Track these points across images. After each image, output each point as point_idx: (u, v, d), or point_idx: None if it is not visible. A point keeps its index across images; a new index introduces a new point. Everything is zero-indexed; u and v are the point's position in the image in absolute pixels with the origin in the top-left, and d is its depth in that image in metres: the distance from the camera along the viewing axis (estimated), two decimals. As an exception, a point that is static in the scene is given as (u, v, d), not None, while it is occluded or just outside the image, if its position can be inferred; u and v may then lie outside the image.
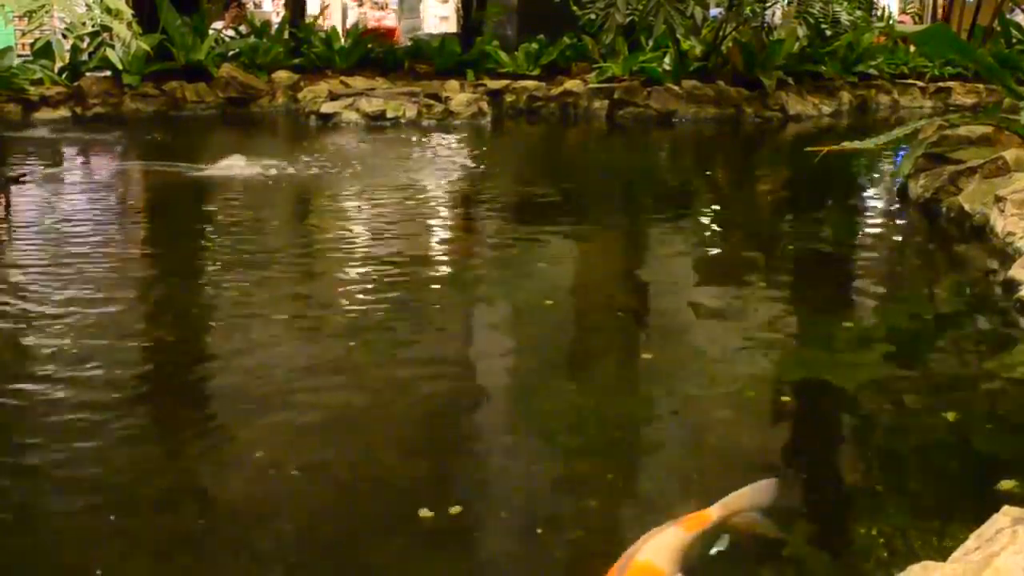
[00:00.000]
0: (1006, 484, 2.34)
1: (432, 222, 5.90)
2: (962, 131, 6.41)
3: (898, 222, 6.09)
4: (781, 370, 3.29)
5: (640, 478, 2.58)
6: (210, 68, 10.71)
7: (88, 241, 4.96)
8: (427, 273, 4.48)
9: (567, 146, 10.20)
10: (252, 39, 12.05)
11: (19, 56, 11.09)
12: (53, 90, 10.17)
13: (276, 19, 14.48)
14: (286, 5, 13.51)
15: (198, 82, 10.64)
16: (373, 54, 12.28)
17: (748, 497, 2.08)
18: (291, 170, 7.23)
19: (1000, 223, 4.81)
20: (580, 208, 6.29)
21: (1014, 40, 13.22)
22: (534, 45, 12.44)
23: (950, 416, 2.79)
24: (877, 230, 6.00)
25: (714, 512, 2.00)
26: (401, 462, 2.57)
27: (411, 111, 10.60)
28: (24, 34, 12.63)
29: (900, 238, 5.79)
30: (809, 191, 7.30)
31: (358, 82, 11.33)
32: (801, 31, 11.74)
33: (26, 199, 6.21)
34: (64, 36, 10.88)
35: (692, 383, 3.19)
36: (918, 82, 13.47)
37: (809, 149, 7.65)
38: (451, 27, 16.54)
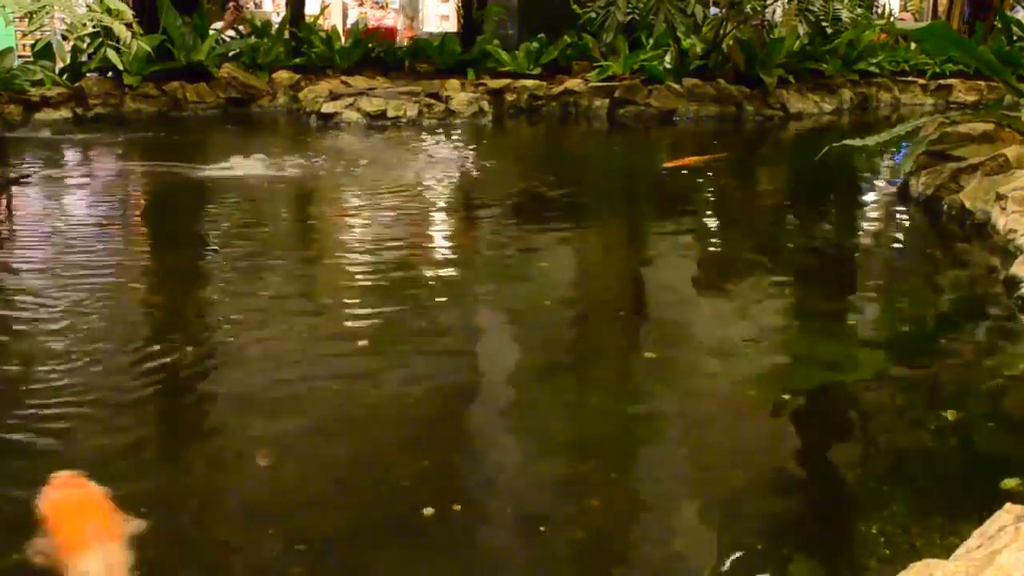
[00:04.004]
0: (1008, 482, 2.35)
1: (435, 221, 5.90)
2: (963, 128, 6.40)
3: (899, 220, 6.09)
4: (782, 368, 3.29)
5: (642, 477, 2.58)
6: (211, 68, 10.71)
7: (90, 241, 4.97)
8: (430, 273, 4.48)
9: (568, 145, 10.20)
10: (252, 39, 12.04)
11: (19, 57, 11.09)
12: (54, 91, 10.16)
13: (276, 19, 14.48)
14: (286, 5, 13.49)
15: (199, 82, 10.63)
16: (374, 54, 12.27)
17: None
18: (293, 170, 7.23)
19: (1001, 220, 4.81)
20: (582, 207, 6.29)
21: (1014, 37, 13.21)
22: (535, 44, 12.43)
23: (951, 415, 2.79)
24: (878, 228, 6.00)
25: None
26: (403, 459, 2.58)
27: (412, 110, 10.59)
28: (25, 35, 12.64)
29: (901, 236, 5.79)
30: (809, 189, 7.30)
31: (359, 82, 11.32)
32: (802, 29, 11.72)
33: (27, 200, 6.22)
34: (64, 37, 10.86)
35: (694, 381, 3.20)
36: (919, 79, 13.45)
37: (667, 164, 7.80)
38: (451, 26, 16.54)
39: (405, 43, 13.27)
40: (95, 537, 1.95)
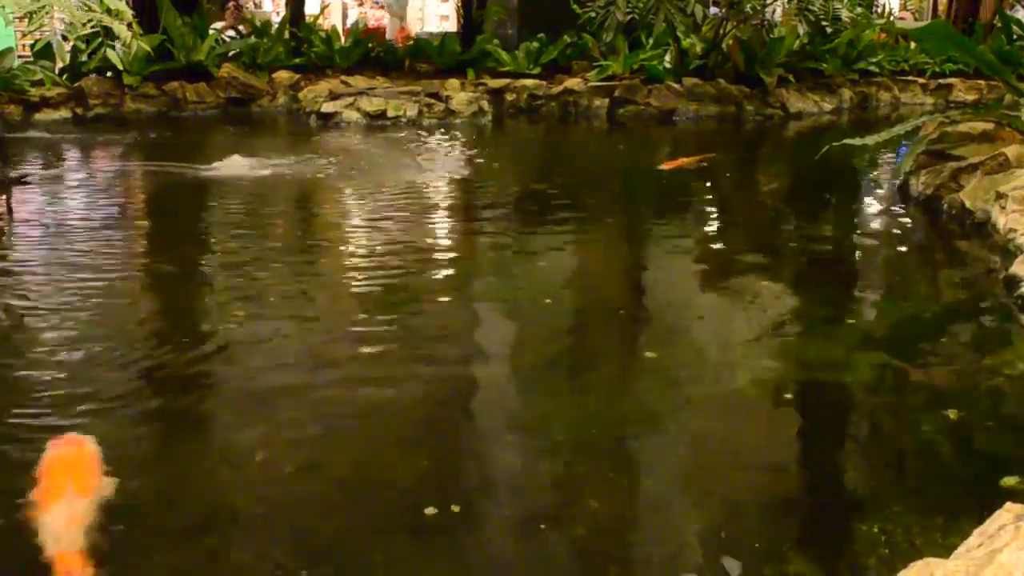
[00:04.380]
0: (1008, 481, 2.35)
1: (435, 221, 5.89)
2: (963, 127, 6.40)
3: (899, 219, 6.09)
4: (783, 368, 3.29)
5: (642, 477, 2.58)
6: (211, 68, 10.71)
7: (91, 241, 4.97)
8: (432, 272, 4.48)
9: (568, 145, 10.19)
10: (252, 39, 12.04)
11: (19, 57, 11.08)
12: (54, 91, 10.16)
13: (276, 19, 14.48)
14: (286, 5, 13.49)
15: (199, 82, 10.63)
16: (373, 53, 12.28)
17: None
18: (293, 170, 7.23)
19: (1001, 220, 4.81)
20: (580, 208, 6.29)
21: (1014, 36, 13.21)
22: (534, 44, 12.43)
23: (952, 414, 2.79)
24: (878, 227, 6.00)
25: None
26: (403, 459, 2.58)
27: (412, 110, 10.59)
28: (25, 35, 12.64)
29: (901, 235, 5.79)
30: (810, 188, 7.30)
31: (359, 81, 11.32)
32: (801, 28, 11.72)
33: (28, 200, 6.22)
34: (64, 38, 10.87)
35: (695, 381, 3.19)
36: (919, 79, 13.45)
37: (663, 167, 7.53)
38: (451, 26, 16.54)
39: (398, 44, 13.16)
40: (71, 492, 2.11)
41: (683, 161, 7.65)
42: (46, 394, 2.90)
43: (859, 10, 13.27)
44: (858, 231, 5.92)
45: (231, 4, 13.78)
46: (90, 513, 2.07)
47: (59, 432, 2.56)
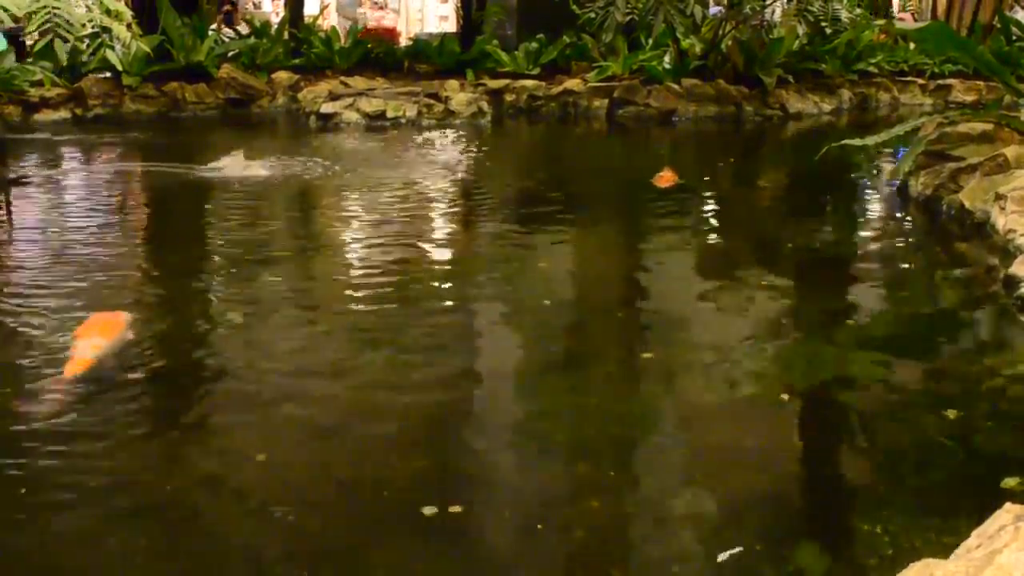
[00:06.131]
0: (1008, 481, 2.35)
1: (435, 222, 5.89)
2: (962, 128, 6.40)
3: (898, 220, 6.09)
4: (782, 368, 3.29)
5: (642, 477, 2.58)
6: (210, 69, 10.71)
7: (89, 242, 4.97)
8: (430, 270, 4.48)
9: (567, 145, 10.18)
10: (252, 40, 12.04)
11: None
12: (53, 92, 10.16)
13: (276, 19, 14.49)
14: (286, 6, 13.49)
15: (198, 83, 10.63)
16: (373, 54, 12.28)
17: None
18: (293, 170, 7.23)
19: (1001, 220, 4.81)
20: (578, 212, 6.28)
21: (1014, 37, 13.21)
22: (534, 44, 12.43)
23: (951, 414, 2.79)
24: (877, 228, 6.00)
25: None
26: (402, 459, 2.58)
27: (411, 111, 10.59)
28: (24, 35, 12.61)
29: (900, 236, 5.79)
30: (809, 189, 7.30)
31: (358, 82, 11.32)
32: (801, 29, 11.73)
33: (27, 201, 6.22)
34: (64, 39, 10.85)
35: (694, 381, 3.19)
36: (918, 79, 13.45)
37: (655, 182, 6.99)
38: (451, 26, 16.55)
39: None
40: (97, 334, 3.18)
41: (668, 178, 7.07)
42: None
43: (858, 11, 13.27)
44: (857, 232, 5.91)
45: (225, 7, 13.80)
46: (106, 345, 3.12)
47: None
